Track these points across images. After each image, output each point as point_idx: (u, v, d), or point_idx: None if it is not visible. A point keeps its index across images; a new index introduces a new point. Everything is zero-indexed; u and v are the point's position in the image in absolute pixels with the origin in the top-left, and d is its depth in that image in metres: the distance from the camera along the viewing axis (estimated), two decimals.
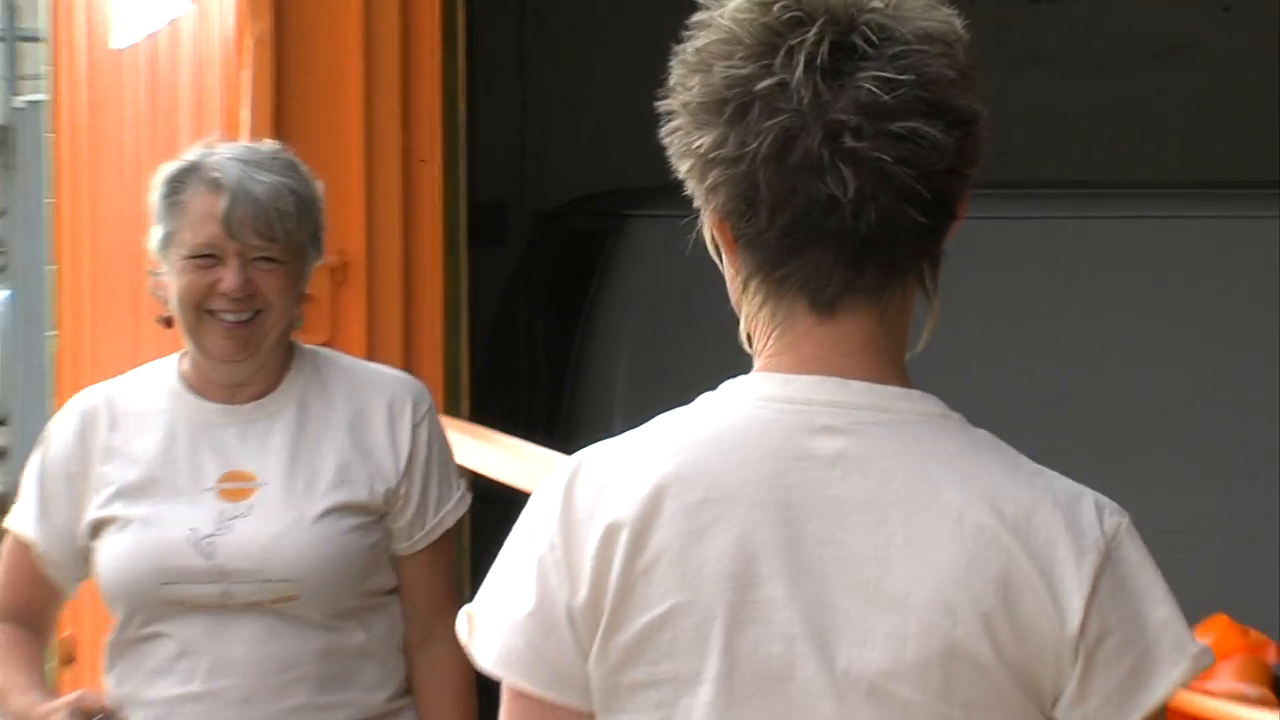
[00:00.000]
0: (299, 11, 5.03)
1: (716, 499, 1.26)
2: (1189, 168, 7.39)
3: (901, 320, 1.33)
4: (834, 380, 1.30)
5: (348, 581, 2.63)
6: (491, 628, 1.31)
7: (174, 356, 2.78)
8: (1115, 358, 5.80)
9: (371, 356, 4.42)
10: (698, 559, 1.26)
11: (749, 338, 1.35)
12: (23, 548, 2.72)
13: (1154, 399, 5.75)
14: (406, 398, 2.74)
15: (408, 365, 4.60)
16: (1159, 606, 1.26)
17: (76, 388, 5.22)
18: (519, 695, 1.29)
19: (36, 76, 9.49)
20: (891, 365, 1.33)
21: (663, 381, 5.26)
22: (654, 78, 1.57)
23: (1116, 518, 1.28)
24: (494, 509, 2.82)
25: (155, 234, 2.70)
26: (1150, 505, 3.18)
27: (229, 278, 2.61)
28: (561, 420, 5.27)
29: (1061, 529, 1.26)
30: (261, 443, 2.68)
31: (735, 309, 1.38)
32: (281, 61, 5.02)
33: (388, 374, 2.90)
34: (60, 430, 2.76)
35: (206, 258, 2.63)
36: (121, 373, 3.46)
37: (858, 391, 1.30)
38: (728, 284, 1.37)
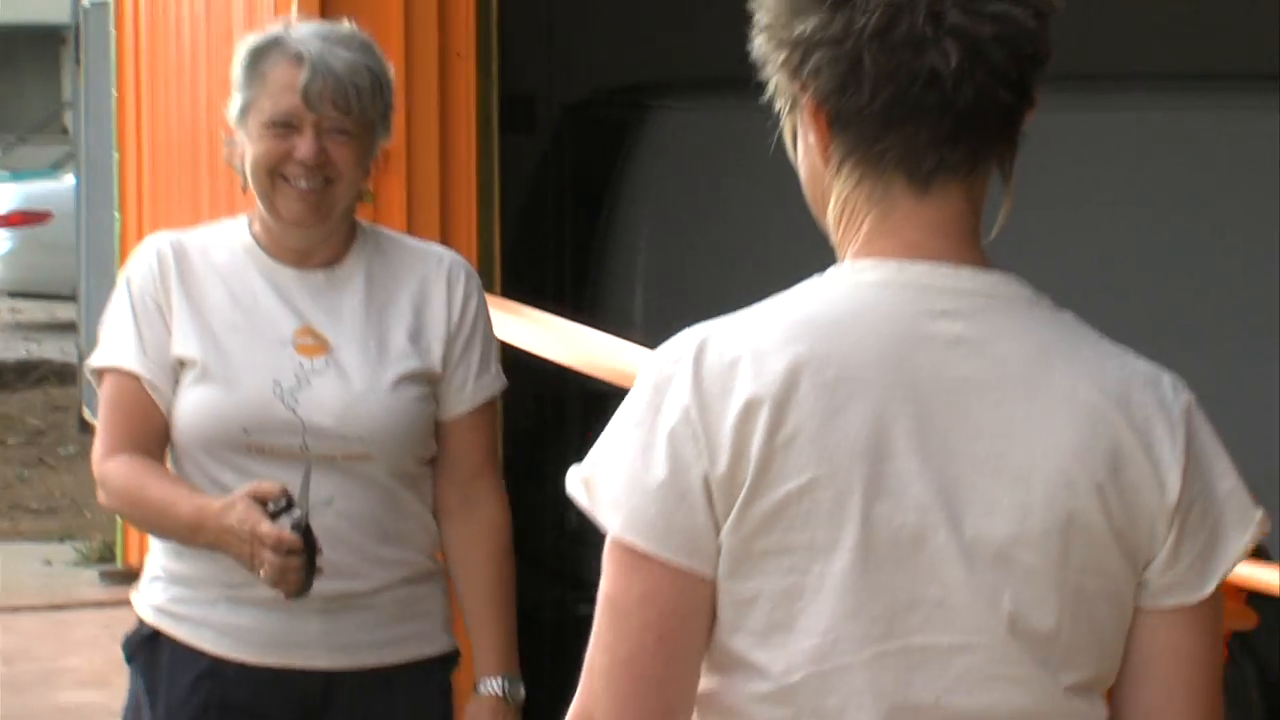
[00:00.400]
0: None
1: (849, 379, 1.25)
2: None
3: (980, 203, 1.33)
4: (945, 267, 1.30)
5: (413, 446, 2.62)
6: (617, 496, 1.29)
7: (243, 219, 2.75)
8: (1115, 251, 5.74)
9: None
10: (835, 434, 1.25)
11: (835, 224, 1.34)
12: (128, 381, 2.61)
13: (1153, 290, 5.65)
14: (460, 271, 2.74)
15: (444, 244, 4.42)
16: (1226, 477, 1.29)
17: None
18: (643, 560, 1.28)
19: None
20: (977, 248, 1.33)
21: (679, 261, 5.38)
22: None
23: (1186, 394, 1.31)
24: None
25: (234, 103, 2.69)
26: None
27: (304, 146, 2.60)
28: (586, 297, 5.37)
29: (1154, 405, 1.28)
30: (333, 308, 2.66)
31: (812, 204, 1.38)
32: None
33: (440, 249, 2.89)
34: (140, 266, 2.68)
35: (284, 126, 2.61)
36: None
37: (966, 277, 1.30)
38: (806, 176, 1.37)
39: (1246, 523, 1.30)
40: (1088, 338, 1.32)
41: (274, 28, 2.81)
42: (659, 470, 1.27)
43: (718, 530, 1.28)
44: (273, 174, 2.62)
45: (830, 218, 1.37)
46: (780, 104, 1.37)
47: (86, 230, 9.92)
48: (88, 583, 8.34)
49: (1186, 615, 1.30)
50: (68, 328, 12.08)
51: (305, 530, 2.41)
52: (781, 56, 1.33)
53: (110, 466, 2.63)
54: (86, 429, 9.54)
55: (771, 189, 5.45)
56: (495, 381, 2.74)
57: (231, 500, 2.46)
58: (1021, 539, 1.25)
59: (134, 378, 2.61)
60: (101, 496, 2.73)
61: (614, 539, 1.29)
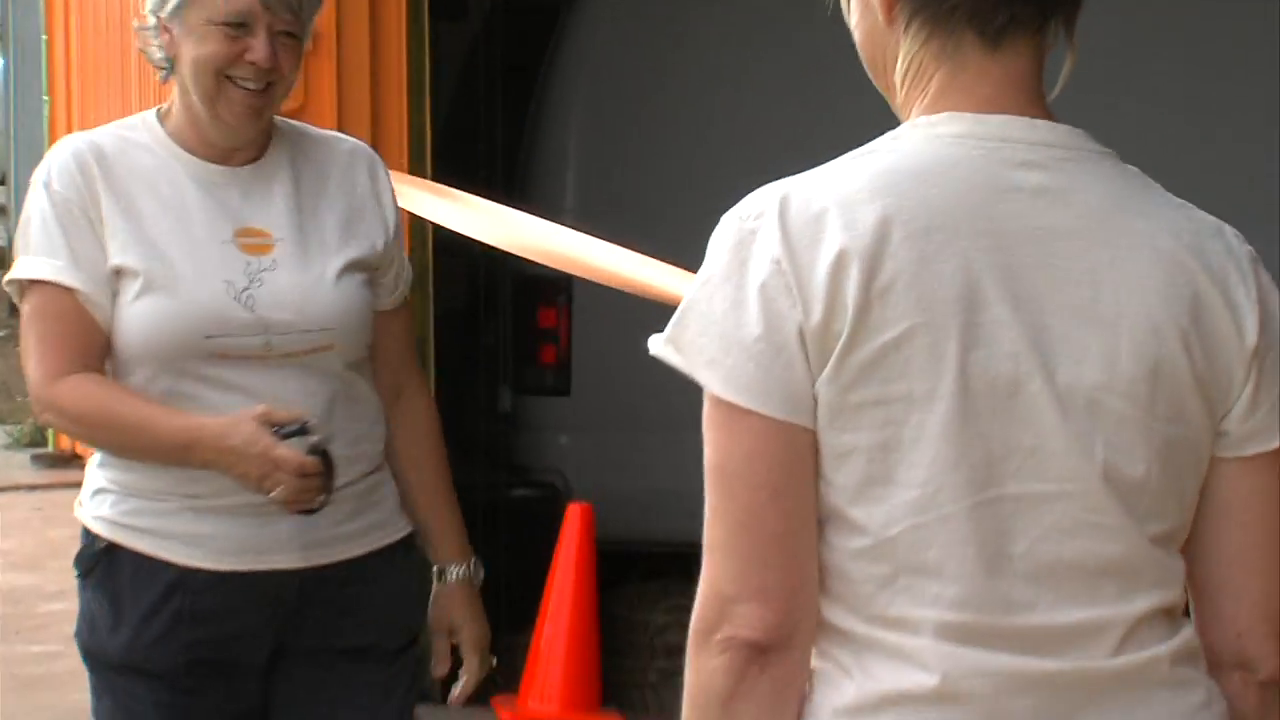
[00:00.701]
0: None
1: (940, 228, 1.25)
2: None
3: (1044, 62, 1.34)
4: (1022, 120, 1.30)
5: (365, 333, 2.58)
6: (713, 354, 1.27)
7: (149, 114, 2.63)
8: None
9: (340, 124, 4.43)
10: (929, 283, 1.24)
11: (900, 83, 1.34)
12: (62, 295, 2.48)
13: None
14: (377, 163, 2.70)
15: (375, 129, 4.71)
16: None
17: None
18: (744, 415, 1.26)
19: None
20: (1044, 104, 1.34)
21: (611, 145, 5.34)
22: None
23: (1247, 244, 1.33)
24: None
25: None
26: None
27: (260, 48, 2.48)
28: (517, 181, 5.33)
29: (1225, 254, 1.30)
30: (265, 202, 2.58)
31: (869, 66, 1.38)
32: None
33: (351, 140, 2.84)
34: (61, 172, 2.52)
35: (238, 26, 2.49)
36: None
37: (1044, 129, 1.31)
38: (863, 37, 1.37)
39: None
40: (1155, 190, 1.34)
41: None
42: (754, 325, 1.25)
43: (814, 382, 1.26)
44: (218, 75, 2.49)
45: (896, 77, 1.35)
46: None
47: (15, 114, 9.99)
48: (19, 466, 8.39)
49: (1267, 460, 1.32)
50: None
51: (324, 455, 2.41)
52: None
53: (63, 389, 2.50)
54: (15, 313, 8.59)
55: (704, 70, 5.47)
56: (410, 271, 2.76)
57: (234, 420, 2.40)
58: (1111, 385, 1.26)
59: (69, 291, 2.48)
60: (49, 419, 2.63)
61: (714, 398, 1.27)
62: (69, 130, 7.31)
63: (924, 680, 1.31)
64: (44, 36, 8.53)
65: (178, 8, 2.51)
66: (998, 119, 1.31)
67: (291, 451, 2.37)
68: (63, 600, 5.39)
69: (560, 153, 5.44)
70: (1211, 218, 1.34)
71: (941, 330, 1.26)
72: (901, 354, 1.26)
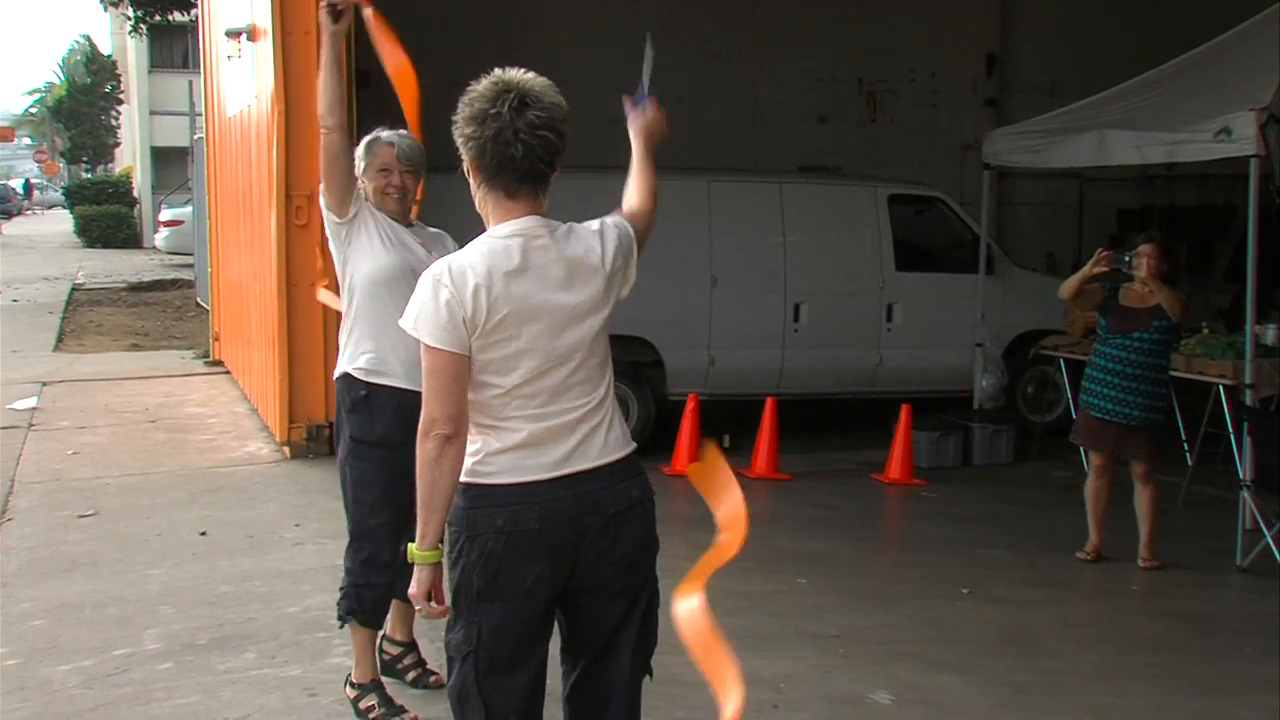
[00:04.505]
0: (297, 96, 9.17)
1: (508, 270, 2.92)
2: None
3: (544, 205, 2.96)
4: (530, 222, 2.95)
5: None
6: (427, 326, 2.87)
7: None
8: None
9: None
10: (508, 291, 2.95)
11: (480, 209, 2.96)
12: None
13: None
14: (446, 236, 4.67)
15: None
16: None
17: (219, 247, 14.30)
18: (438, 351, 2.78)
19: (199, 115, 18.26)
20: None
21: None
22: None
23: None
24: None
25: (359, 163, 4.54)
26: None
27: (396, 179, 4.57)
28: None
29: None
30: (416, 237, 4.60)
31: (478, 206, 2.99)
32: (290, 125, 9.25)
33: (434, 230, 4.73)
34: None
35: (385, 171, 4.57)
36: (233, 243, 11.24)
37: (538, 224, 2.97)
38: (474, 192, 3.01)
39: None
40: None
41: (372, 133, 4.66)
42: (445, 314, 2.92)
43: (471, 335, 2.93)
44: (381, 192, 4.56)
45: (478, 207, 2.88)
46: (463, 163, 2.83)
47: (196, 228, 17.25)
48: (198, 366, 14.28)
49: None
50: (190, 266, 21.92)
51: None
52: (460, 142, 2.80)
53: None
54: (198, 307, 17.84)
55: None
56: None
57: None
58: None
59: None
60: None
61: (424, 345, 2.97)
62: (214, 240, 14.61)
63: (515, 439, 2.86)
64: (206, 199, 15.19)
65: (365, 168, 4.57)
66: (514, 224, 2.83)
67: None
68: (217, 420, 10.99)
69: None
70: None
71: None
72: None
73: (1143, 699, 5.36)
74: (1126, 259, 7.23)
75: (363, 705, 4.75)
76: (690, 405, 9.68)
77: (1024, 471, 10.17)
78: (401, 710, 4.73)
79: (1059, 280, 7.92)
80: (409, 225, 4.57)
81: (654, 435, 10.02)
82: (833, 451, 10.56)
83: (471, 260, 2.79)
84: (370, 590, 4.60)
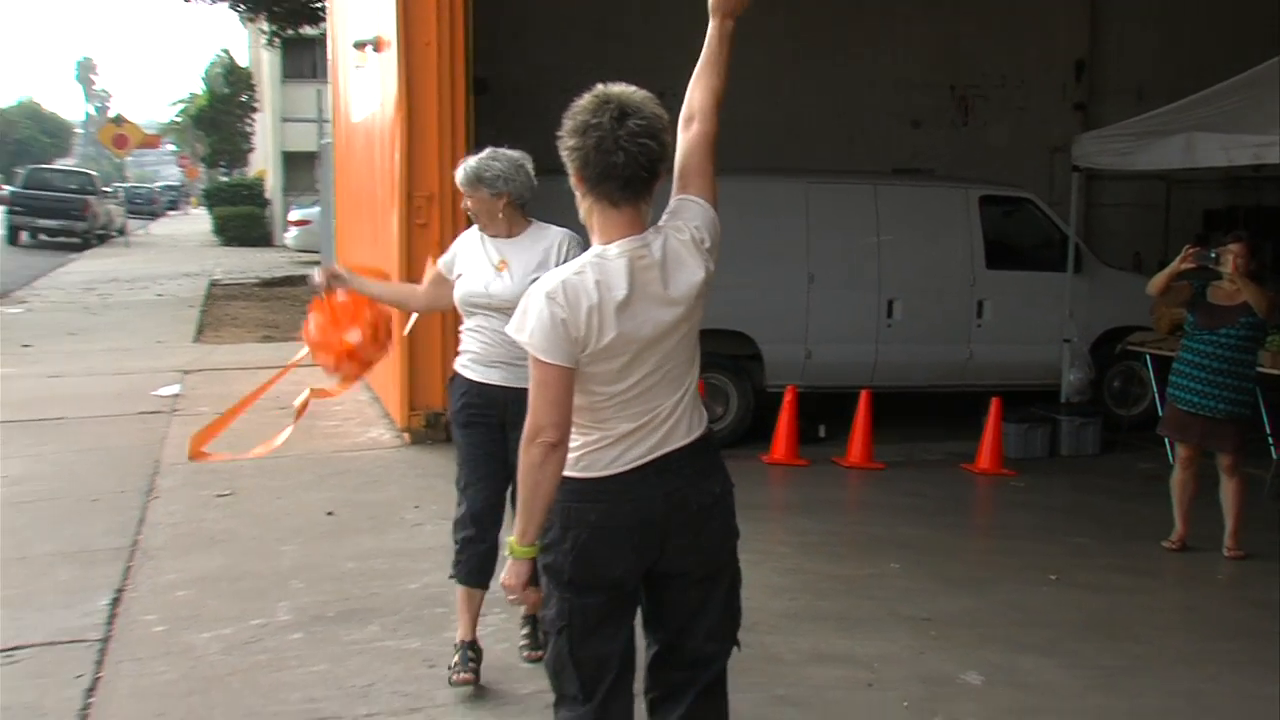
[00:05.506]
0: (419, 103, 9.16)
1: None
2: None
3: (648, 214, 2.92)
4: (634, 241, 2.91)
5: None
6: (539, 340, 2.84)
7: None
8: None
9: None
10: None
11: (585, 220, 2.88)
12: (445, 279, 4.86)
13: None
14: (568, 238, 4.66)
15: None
16: None
17: (344, 245, 13.99)
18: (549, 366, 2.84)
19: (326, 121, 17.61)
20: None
21: None
22: None
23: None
24: None
25: (461, 180, 4.73)
26: None
27: (468, 203, 4.77)
28: None
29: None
30: (513, 249, 4.71)
31: (583, 218, 2.95)
32: (412, 130, 9.20)
33: (554, 229, 4.74)
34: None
35: (465, 198, 4.79)
36: (358, 241, 10.59)
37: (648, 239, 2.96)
38: (579, 203, 3.00)
39: None
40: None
41: (474, 156, 4.80)
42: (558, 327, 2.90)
43: (583, 349, 2.89)
44: (487, 213, 4.76)
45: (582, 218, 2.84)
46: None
47: (324, 227, 18.23)
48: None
49: None
50: (318, 263, 18.59)
51: None
52: (565, 155, 2.76)
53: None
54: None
55: None
56: None
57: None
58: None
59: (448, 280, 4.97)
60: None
61: (532, 359, 2.93)
62: (341, 237, 14.39)
63: (612, 436, 2.90)
64: (333, 198, 15.18)
65: (465, 194, 4.78)
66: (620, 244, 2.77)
67: None
68: (342, 407, 10.52)
69: None
70: None
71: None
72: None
73: (1229, 685, 5.26)
74: (1213, 255, 7.08)
75: (451, 662, 4.92)
76: (788, 397, 9.64)
77: (1110, 463, 10.01)
78: (464, 667, 4.83)
79: (1145, 278, 7.77)
80: (509, 236, 4.68)
81: (753, 425, 9.98)
82: (924, 442, 10.43)
83: (585, 281, 2.79)
84: (459, 550, 4.82)
